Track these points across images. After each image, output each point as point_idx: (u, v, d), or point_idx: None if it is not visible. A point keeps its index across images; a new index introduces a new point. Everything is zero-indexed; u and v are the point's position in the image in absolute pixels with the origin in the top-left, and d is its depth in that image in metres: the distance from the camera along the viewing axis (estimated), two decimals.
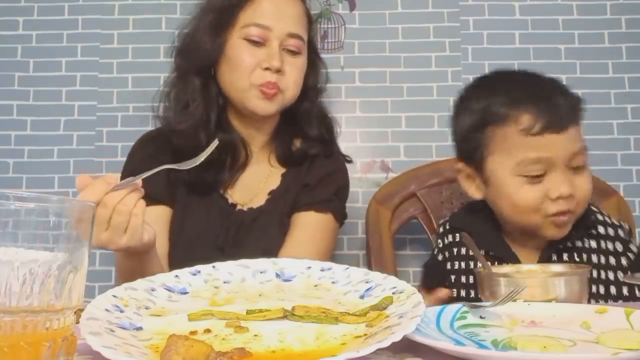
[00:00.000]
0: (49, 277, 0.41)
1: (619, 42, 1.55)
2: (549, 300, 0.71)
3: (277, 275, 0.72)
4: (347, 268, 0.70)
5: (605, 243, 1.01)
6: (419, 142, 1.53)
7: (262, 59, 1.09)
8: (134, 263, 0.91)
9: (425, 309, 0.53)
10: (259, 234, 1.12)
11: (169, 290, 0.66)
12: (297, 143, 1.21)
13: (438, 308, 0.65)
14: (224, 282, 0.70)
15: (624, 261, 0.99)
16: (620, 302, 0.96)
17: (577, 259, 0.99)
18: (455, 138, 1.04)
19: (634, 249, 1.01)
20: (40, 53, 1.58)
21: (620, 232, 1.02)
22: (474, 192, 1.03)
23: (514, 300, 0.65)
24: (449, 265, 1.07)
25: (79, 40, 1.58)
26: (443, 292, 1.00)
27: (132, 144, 1.20)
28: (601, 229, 1.02)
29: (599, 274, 0.98)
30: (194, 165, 0.85)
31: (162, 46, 1.56)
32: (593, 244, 1.01)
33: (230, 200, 1.15)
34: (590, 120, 1.52)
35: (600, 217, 1.04)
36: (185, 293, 0.66)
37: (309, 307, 0.57)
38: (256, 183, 1.18)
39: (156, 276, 0.67)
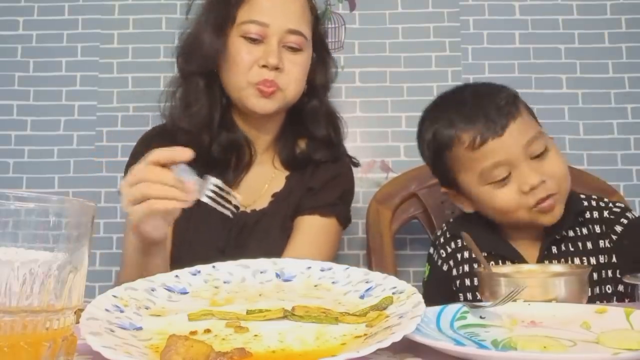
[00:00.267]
0: (49, 277, 0.41)
1: (619, 42, 1.55)
2: (549, 300, 0.71)
3: (277, 275, 0.72)
4: (347, 268, 0.70)
5: (594, 227, 1.04)
6: None
7: (259, 57, 1.07)
8: (148, 257, 0.92)
9: (425, 308, 0.53)
10: (262, 236, 1.11)
11: (169, 290, 0.66)
12: (302, 144, 1.19)
13: (438, 308, 0.65)
14: (224, 282, 0.70)
15: (606, 243, 1.03)
16: (609, 287, 1.01)
17: (572, 249, 1.03)
18: (428, 166, 1.12)
19: (619, 229, 1.03)
20: (40, 53, 1.57)
21: (606, 213, 1.05)
22: (466, 207, 1.08)
23: (514, 300, 0.65)
24: (454, 272, 1.09)
25: (79, 40, 1.58)
26: None
27: (132, 144, 1.20)
28: (588, 214, 1.05)
29: (588, 260, 1.01)
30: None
31: (162, 46, 1.56)
32: (585, 230, 1.04)
33: (233, 202, 1.15)
34: (590, 120, 1.53)
35: (586, 204, 1.07)
36: (185, 293, 0.66)
37: (309, 307, 0.57)
38: (260, 185, 1.17)
39: (156, 276, 0.67)
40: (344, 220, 1.18)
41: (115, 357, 0.44)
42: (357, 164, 1.25)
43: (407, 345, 0.51)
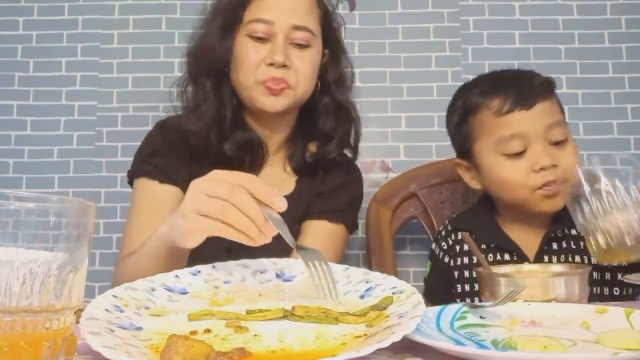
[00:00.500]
0: (49, 277, 0.41)
1: (619, 42, 1.55)
2: (549, 300, 0.71)
3: (277, 276, 0.72)
4: (347, 268, 0.70)
5: None
6: (419, 142, 1.53)
7: (266, 55, 1.06)
8: (171, 259, 0.82)
9: (425, 308, 0.53)
10: None
11: (169, 290, 0.66)
12: (312, 148, 1.18)
13: (438, 308, 0.65)
14: (224, 282, 0.70)
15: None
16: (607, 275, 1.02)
17: (573, 247, 1.03)
18: (450, 137, 1.15)
19: None
20: (40, 53, 1.58)
21: None
22: (473, 183, 1.10)
23: (514, 300, 0.65)
24: (452, 263, 1.11)
25: (79, 40, 1.58)
26: None
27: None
28: None
29: (589, 259, 1.01)
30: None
31: (162, 46, 1.56)
32: None
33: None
34: (590, 120, 1.53)
35: None
36: (185, 293, 0.66)
37: (309, 307, 0.57)
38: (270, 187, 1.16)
39: (156, 276, 0.67)
40: (352, 227, 1.17)
41: (115, 357, 0.44)
42: (354, 158, 1.23)
43: (407, 345, 0.51)
